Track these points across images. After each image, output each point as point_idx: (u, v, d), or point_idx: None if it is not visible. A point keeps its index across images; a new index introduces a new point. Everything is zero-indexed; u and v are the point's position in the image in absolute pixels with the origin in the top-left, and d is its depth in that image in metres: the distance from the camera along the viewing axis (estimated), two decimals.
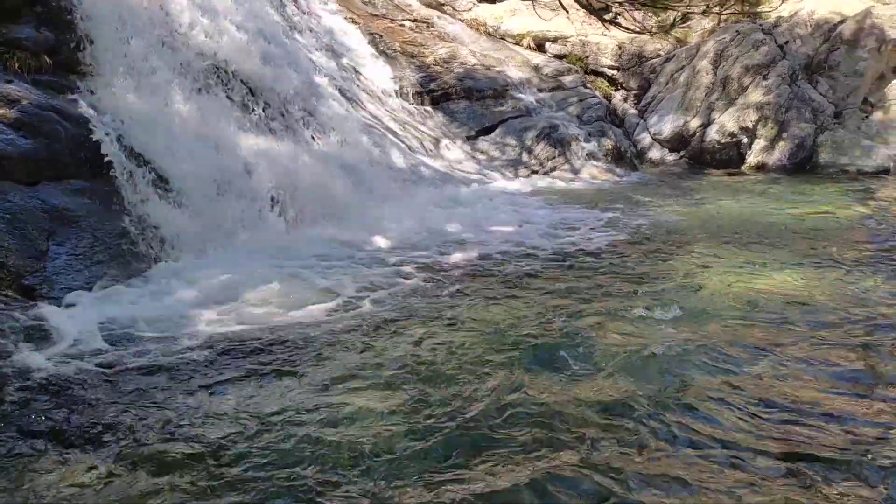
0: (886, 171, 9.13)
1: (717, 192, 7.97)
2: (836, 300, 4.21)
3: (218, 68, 6.16)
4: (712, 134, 9.78)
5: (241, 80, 6.32)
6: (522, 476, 2.40)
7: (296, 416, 2.79)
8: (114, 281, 4.08)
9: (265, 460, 2.49)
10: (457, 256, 5.20)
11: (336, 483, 2.37)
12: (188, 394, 2.98)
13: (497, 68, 10.24)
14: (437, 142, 8.76)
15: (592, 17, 4.17)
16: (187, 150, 5.16)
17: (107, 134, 4.74)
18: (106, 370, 3.16)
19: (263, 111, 6.34)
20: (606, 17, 4.17)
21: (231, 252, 4.77)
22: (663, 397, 2.95)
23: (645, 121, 10.48)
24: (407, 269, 4.83)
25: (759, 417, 2.82)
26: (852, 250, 5.40)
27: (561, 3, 4.04)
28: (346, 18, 9.56)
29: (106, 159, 4.65)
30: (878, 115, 9.69)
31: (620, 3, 4.07)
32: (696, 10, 3.64)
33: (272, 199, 5.43)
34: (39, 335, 3.41)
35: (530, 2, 4.30)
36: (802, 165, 9.44)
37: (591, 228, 6.13)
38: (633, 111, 10.74)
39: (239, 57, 6.44)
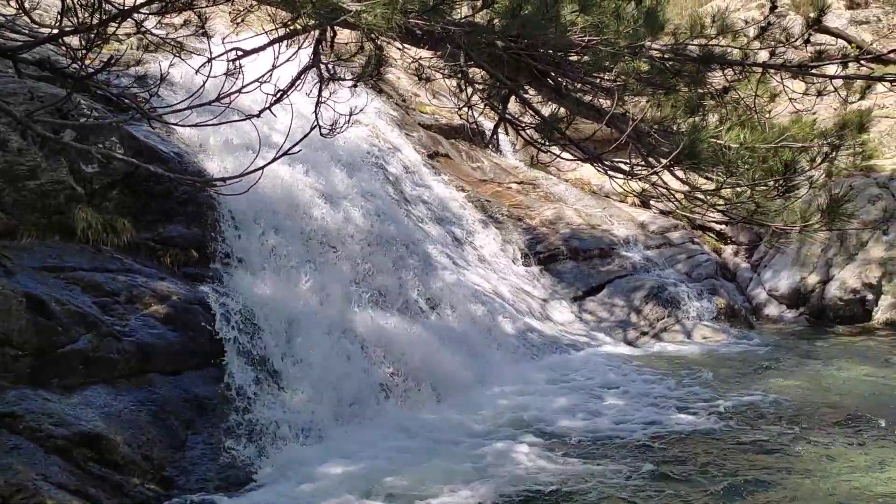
0: None
1: (844, 359, 7.58)
2: None
3: (343, 252, 6.69)
4: (833, 290, 9.44)
5: (361, 258, 6.81)
6: None
7: None
8: (246, 476, 4.34)
9: None
10: (563, 438, 5.19)
11: None
12: None
13: (602, 227, 10.46)
14: (544, 304, 8.92)
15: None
16: (315, 336, 5.54)
17: (230, 324, 5.18)
18: None
19: (381, 288, 6.75)
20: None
21: (347, 438, 4.97)
22: None
23: (759, 275, 10.27)
24: (512, 455, 4.85)
25: None
26: None
27: (669, 191, 4.24)
28: (456, 187, 10.16)
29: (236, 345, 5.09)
30: None
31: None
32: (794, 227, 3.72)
33: (386, 382, 5.66)
34: None
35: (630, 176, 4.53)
36: None
37: (697, 407, 5.95)
38: (745, 265, 10.58)
39: (357, 236, 6.98)
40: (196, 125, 2.93)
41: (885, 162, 10.30)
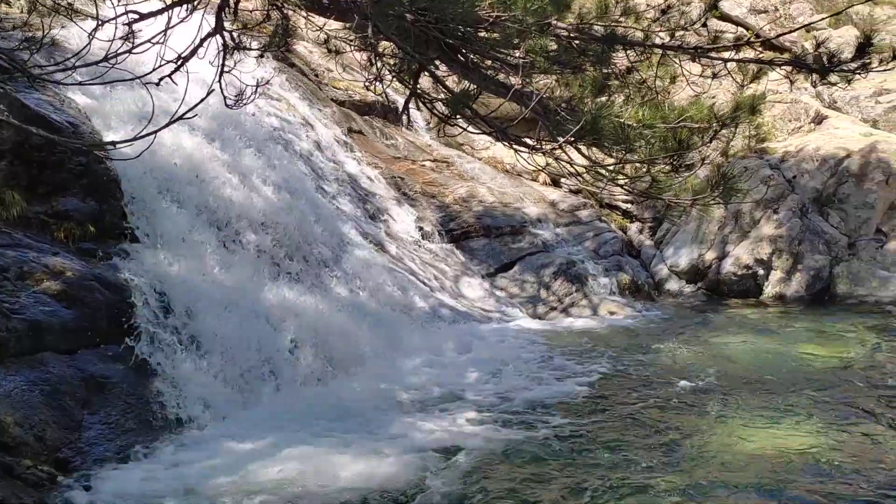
0: None
1: (735, 329, 8.04)
2: (851, 460, 4.21)
3: (249, 224, 6.55)
4: (728, 266, 9.95)
5: (269, 234, 6.69)
6: None
7: None
8: (144, 449, 4.23)
9: None
10: (474, 409, 5.30)
11: None
12: None
13: (514, 205, 10.64)
14: (456, 280, 9.02)
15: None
16: (217, 309, 5.42)
17: (143, 300, 5.03)
18: None
19: (290, 263, 6.66)
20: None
21: (257, 415, 4.91)
22: None
23: (661, 252, 10.70)
24: (422, 426, 4.92)
25: None
26: (868, 398, 5.40)
27: (572, 167, 4.36)
28: (369, 164, 10.10)
29: (138, 324, 4.93)
30: (892, 245, 9.82)
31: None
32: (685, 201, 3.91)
33: (297, 355, 5.62)
34: None
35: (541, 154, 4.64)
36: (821, 296, 9.51)
37: (602, 376, 6.20)
38: (648, 243, 10.99)
39: (267, 212, 6.84)
40: (81, 83, 2.79)
41: (777, 145, 10.90)
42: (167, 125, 2.73)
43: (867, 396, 5.48)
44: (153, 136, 2.48)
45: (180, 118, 2.47)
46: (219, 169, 6.72)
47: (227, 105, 4.58)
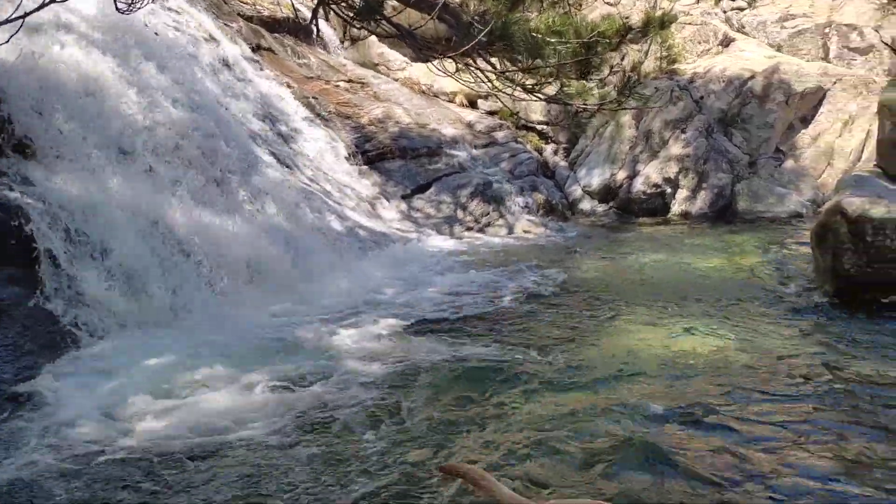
0: (800, 216, 9.69)
1: (643, 244, 8.35)
2: (745, 357, 4.51)
3: (151, 142, 6.25)
4: (638, 185, 10.25)
5: (175, 154, 6.41)
6: None
7: None
8: (47, 371, 4.09)
9: None
10: (391, 325, 5.35)
11: None
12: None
13: (431, 126, 10.54)
14: (373, 202, 8.95)
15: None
16: (120, 228, 5.21)
17: (37, 219, 4.77)
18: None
19: (198, 183, 6.42)
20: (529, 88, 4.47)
21: (165, 333, 4.80)
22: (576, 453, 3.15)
23: (575, 173, 10.90)
24: (340, 343, 4.94)
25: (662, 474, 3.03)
26: (762, 303, 5.76)
27: (484, 75, 4.33)
28: (280, 83, 9.75)
29: (35, 244, 4.68)
30: (789, 164, 10.32)
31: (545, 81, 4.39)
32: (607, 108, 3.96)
33: (207, 275, 5.49)
34: None
35: (457, 72, 4.59)
36: (723, 213, 9.95)
37: (518, 290, 6.35)
38: (563, 164, 11.16)
39: (170, 130, 6.54)
40: None
41: (686, 66, 11.13)
42: (39, 8, 2.52)
43: (761, 302, 5.83)
44: (21, 20, 2.29)
45: (27, 15, 2.27)
46: (118, 84, 6.34)
47: (118, 9, 4.29)
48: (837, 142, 10.23)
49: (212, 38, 9.07)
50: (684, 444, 3.37)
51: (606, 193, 10.46)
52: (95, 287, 4.81)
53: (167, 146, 6.37)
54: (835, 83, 10.49)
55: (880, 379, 4.11)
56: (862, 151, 9.99)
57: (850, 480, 3.05)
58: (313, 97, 9.99)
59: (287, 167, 8.21)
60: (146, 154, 6.08)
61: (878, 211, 5.64)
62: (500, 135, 11.02)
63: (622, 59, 4.25)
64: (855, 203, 5.75)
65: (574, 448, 3.34)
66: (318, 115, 9.72)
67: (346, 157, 9.36)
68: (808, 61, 10.95)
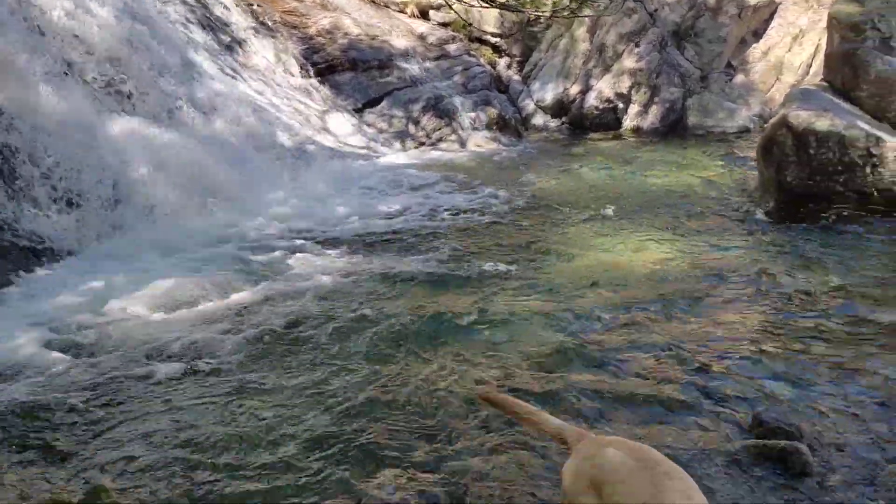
0: (748, 131, 9.81)
1: (595, 159, 8.39)
2: (690, 266, 4.64)
3: (86, 52, 5.92)
4: (591, 100, 10.19)
5: (109, 62, 6.10)
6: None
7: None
8: None
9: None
10: (343, 239, 5.32)
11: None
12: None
13: (381, 38, 10.22)
14: (323, 116, 8.73)
15: None
16: (54, 141, 4.99)
17: None
18: None
19: (137, 94, 6.15)
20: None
21: (107, 249, 4.69)
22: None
23: (528, 88, 10.77)
24: (291, 258, 4.90)
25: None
26: (708, 216, 5.89)
27: None
28: None
29: None
30: (739, 79, 10.37)
31: None
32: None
33: (149, 188, 5.33)
34: None
35: None
36: (674, 127, 10.01)
37: (470, 204, 6.36)
38: (516, 78, 10.99)
39: (105, 37, 6.19)
40: None
41: None
42: None
43: (707, 214, 5.96)
44: None
45: None
46: None
47: None
48: (787, 56, 10.28)
49: None
50: (626, 346, 3.49)
51: (559, 108, 10.39)
52: (36, 203, 4.64)
53: (104, 56, 6.06)
54: None
55: (814, 288, 4.26)
56: (811, 66, 10.07)
57: (778, 375, 3.21)
58: (257, 5, 9.54)
59: (231, 78, 7.91)
60: (82, 66, 5.77)
61: (822, 124, 5.74)
62: (452, 48, 10.76)
63: None
64: (801, 116, 5.84)
65: (524, 351, 3.43)
66: (263, 24, 9.30)
67: (293, 69, 9.05)
68: None
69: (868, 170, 5.60)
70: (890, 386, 3.10)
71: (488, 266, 4.66)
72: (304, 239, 5.30)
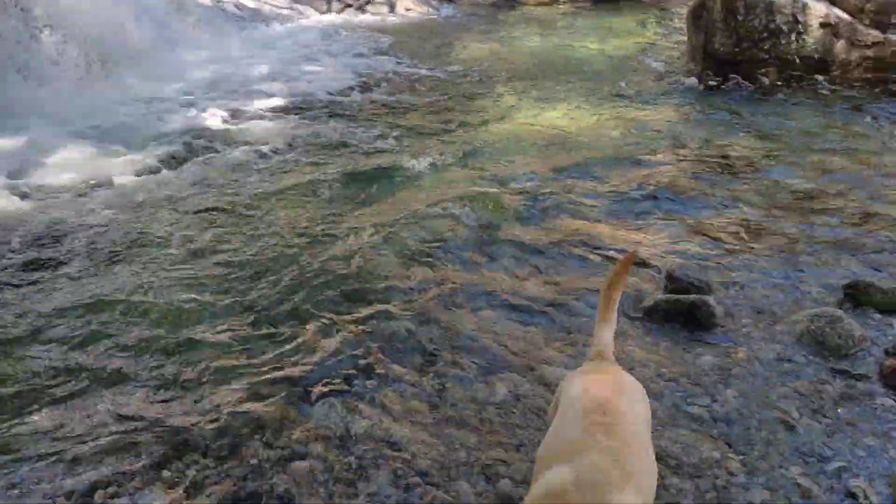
0: None
1: (527, 27, 8.21)
2: (619, 132, 4.71)
3: None
4: None
5: None
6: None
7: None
8: None
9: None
10: (264, 105, 5.14)
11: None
12: None
13: None
14: None
15: None
16: None
17: None
18: None
19: None
20: None
21: (20, 115, 4.39)
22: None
23: None
24: (210, 121, 4.72)
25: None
26: (637, 83, 5.92)
27: None
28: None
29: None
30: None
31: None
32: None
33: (58, 49, 4.96)
34: None
35: None
36: None
37: (397, 70, 6.19)
38: None
39: None
40: None
41: None
42: None
43: (636, 81, 5.98)
44: None
45: None
46: None
47: None
48: None
49: None
50: (552, 205, 3.57)
51: None
52: None
53: None
54: None
55: (732, 152, 4.39)
56: None
57: (691, 234, 3.36)
58: None
59: None
60: None
61: None
62: None
63: None
64: None
65: (454, 214, 3.47)
66: None
67: None
68: None
69: (793, 37, 5.67)
70: (791, 244, 3.29)
71: (418, 134, 4.61)
72: (222, 105, 5.08)
